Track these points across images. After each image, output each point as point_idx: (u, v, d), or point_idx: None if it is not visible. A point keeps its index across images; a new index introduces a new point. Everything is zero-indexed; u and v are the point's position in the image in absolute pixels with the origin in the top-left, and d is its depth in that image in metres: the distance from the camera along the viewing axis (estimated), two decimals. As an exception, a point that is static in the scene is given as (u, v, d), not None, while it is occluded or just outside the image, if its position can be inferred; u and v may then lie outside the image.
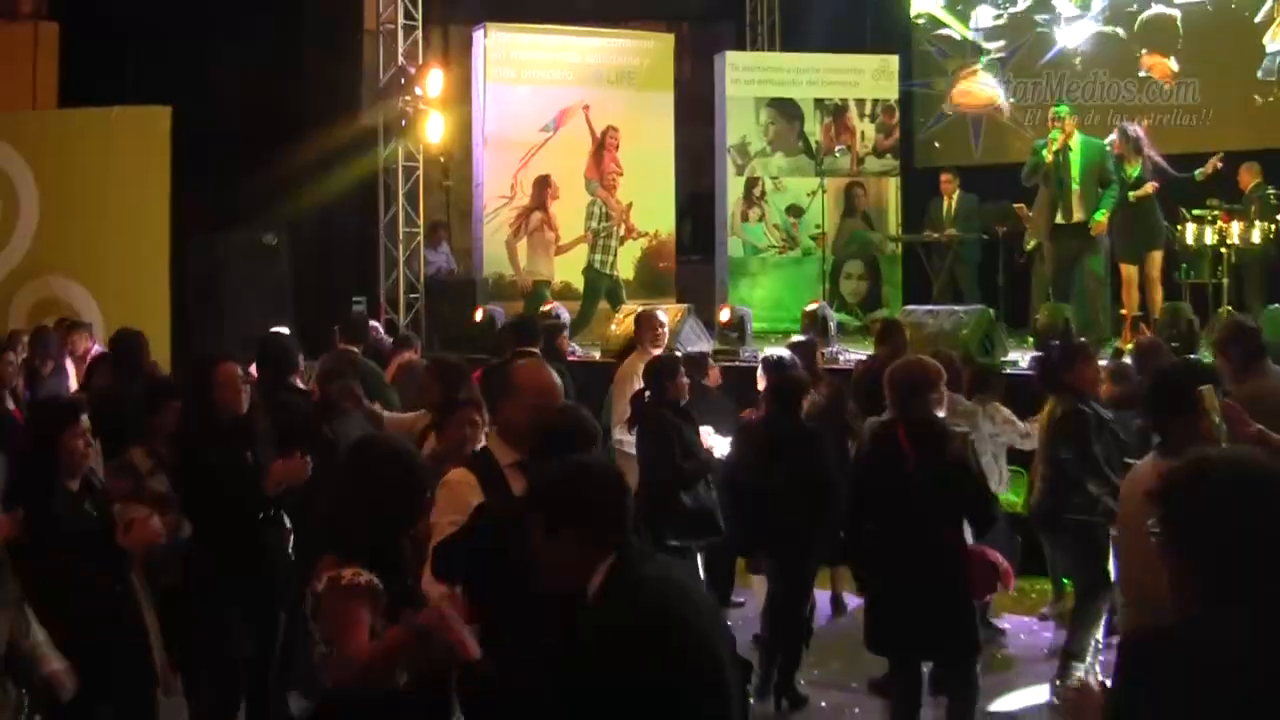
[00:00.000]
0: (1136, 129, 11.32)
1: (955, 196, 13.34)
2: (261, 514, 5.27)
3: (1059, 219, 11.03)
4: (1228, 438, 5.34)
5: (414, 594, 3.58)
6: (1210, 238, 11.17)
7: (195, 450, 5.19)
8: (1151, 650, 2.44)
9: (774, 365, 7.51)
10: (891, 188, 14.98)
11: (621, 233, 14.22)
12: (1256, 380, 5.71)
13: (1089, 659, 6.39)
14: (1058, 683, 6.33)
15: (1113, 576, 6.31)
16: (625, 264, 14.17)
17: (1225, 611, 2.35)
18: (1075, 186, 10.93)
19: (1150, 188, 10.99)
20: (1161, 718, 2.33)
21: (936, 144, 15.65)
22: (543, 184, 13.87)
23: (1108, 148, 11.25)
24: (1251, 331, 6.24)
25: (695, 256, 15.13)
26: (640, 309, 9.73)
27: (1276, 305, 10.02)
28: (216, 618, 5.14)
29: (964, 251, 13.18)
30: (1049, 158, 10.94)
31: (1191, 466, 2.50)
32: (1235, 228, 11.13)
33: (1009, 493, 7.72)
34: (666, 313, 9.25)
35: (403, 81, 13.50)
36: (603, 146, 14.25)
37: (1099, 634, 6.53)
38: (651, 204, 14.54)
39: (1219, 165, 11.25)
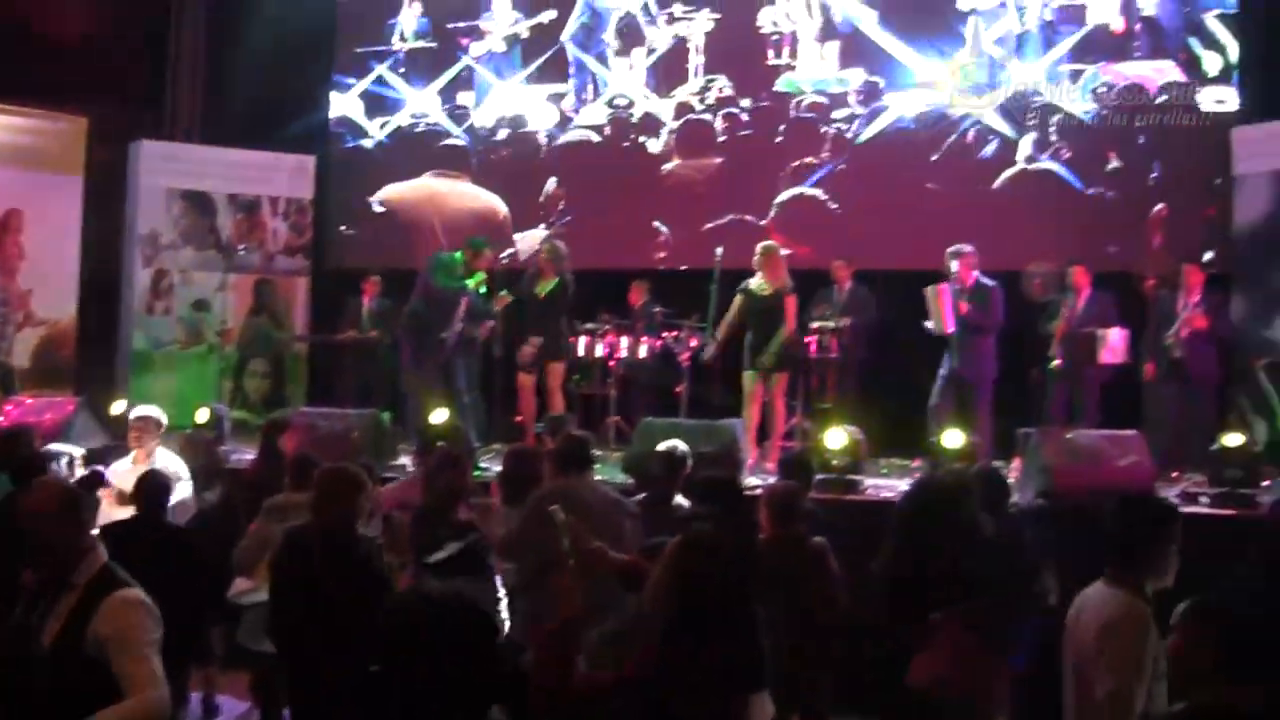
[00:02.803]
0: (543, 245, 11.86)
1: (375, 299, 13.55)
2: None
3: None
4: (574, 554, 6.34)
5: None
6: (600, 350, 11.99)
7: None
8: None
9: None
10: (301, 287, 15.44)
11: (20, 319, 13.93)
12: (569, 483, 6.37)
13: None
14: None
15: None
16: (22, 352, 13.84)
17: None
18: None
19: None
20: None
21: (352, 245, 15.88)
22: (-61, 268, 13.35)
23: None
24: (561, 448, 6.79)
25: (98, 347, 14.83)
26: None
27: (651, 418, 10.41)
28: None
29: (381, 353, 13.35)
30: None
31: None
32: (624, 342, 11.97)
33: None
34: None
35: None
36: (4, 230, 13.93)
37: None
38: (53, 290, 14.24)
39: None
